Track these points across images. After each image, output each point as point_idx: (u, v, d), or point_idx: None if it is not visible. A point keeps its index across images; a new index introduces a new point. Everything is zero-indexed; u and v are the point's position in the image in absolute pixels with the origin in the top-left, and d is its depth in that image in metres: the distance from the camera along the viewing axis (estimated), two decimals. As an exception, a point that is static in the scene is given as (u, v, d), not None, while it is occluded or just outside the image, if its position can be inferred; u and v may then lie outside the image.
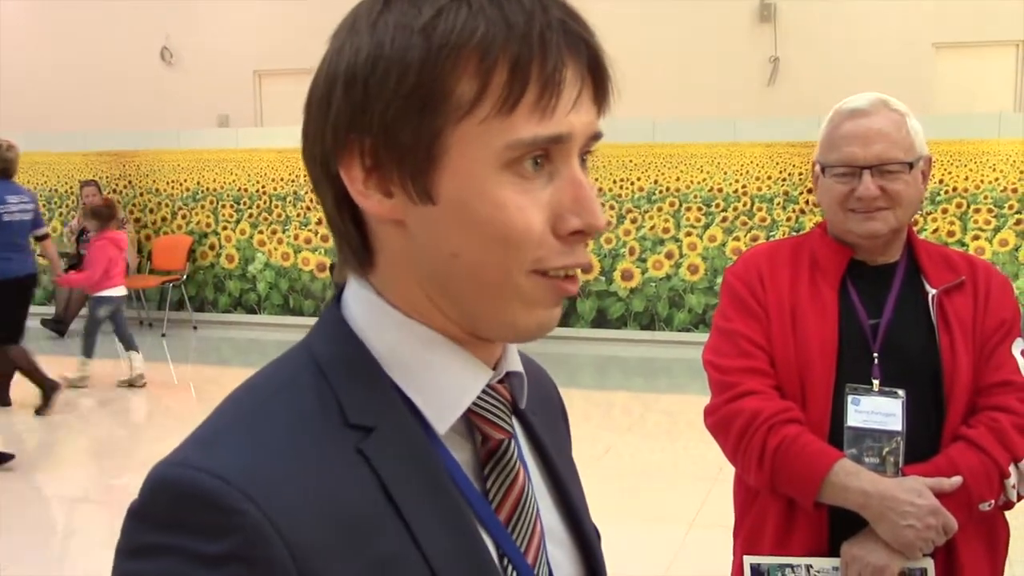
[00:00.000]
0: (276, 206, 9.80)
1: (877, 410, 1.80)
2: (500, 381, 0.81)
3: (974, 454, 1.74)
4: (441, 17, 0.69)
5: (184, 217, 10.10)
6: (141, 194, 10.23)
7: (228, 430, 0.72)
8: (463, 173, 0.71)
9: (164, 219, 10.18)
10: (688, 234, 8.73)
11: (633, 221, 8.85)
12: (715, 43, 9.47)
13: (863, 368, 1.82)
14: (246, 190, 9.86)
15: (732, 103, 9.24)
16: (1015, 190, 8.03)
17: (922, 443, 1.78)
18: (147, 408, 7.13)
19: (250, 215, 9.88)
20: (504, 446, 0.81)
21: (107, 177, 10.24)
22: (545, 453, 0.89)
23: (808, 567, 1.81)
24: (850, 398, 1.80)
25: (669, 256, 8.79)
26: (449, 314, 0.77)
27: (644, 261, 8.86)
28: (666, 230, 8.79)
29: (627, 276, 8.90)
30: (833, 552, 1.79)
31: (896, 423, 1.78)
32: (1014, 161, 7.99)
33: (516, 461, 0.81)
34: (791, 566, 1.81)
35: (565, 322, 8.97)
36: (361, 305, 0.79)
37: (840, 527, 1.79)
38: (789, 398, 1.82)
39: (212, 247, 10.04)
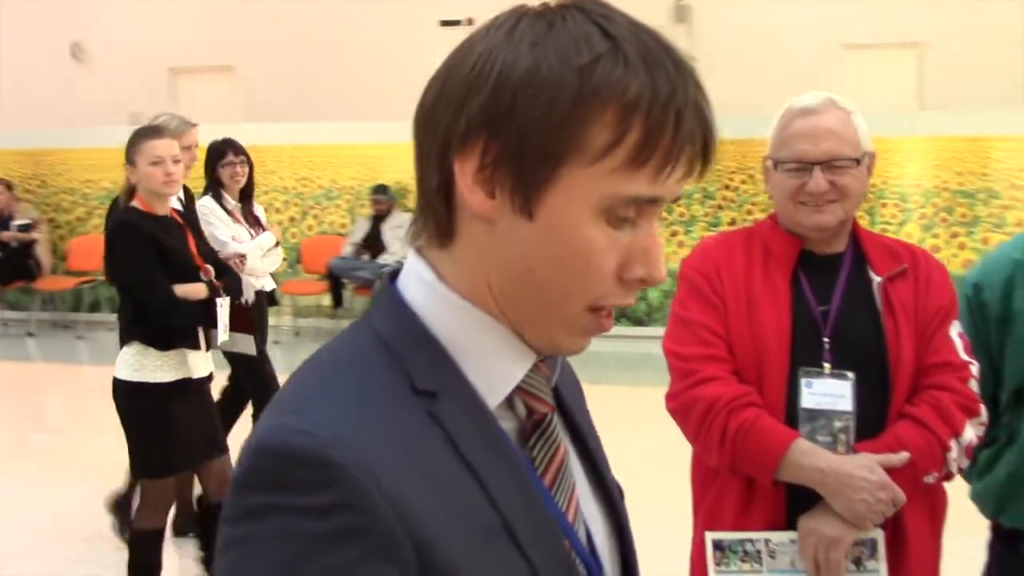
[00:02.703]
0: (195, 205, 9.65)
1: (829, 392, 1.90)
2: (540, 361, 0.89)
3: (918, 431, 1.86)
4: (599, 64, 0.76)
5: (100, 217, 9.88)
6: (55, 193, 9.98)
7: (314, 397, 0.78)
8: (566, 205, 0.78)
9: (80, 219, 9.95)
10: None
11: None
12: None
13: (815, 352, 1.92)
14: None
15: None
16: (918, 185, 8.38)
17: (871, 421, 1.89)
18: (65, 409, 6.98)
19: (167, 214, 9.72)
20: (548, 419, 0.89)
21: (20, 176, 9.97)
22: (574, 421, 0.97)
23: (767, 541, 1.91)
24: (803, 381, 1.91)
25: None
26: (505, 311, 0.84)
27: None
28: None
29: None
30: (790, 526, 1.89)
31: (846, 403, 1.89)
32: (917, 158, 8.33)
33: (558, 432, 0.90)
34: (751, 540, 1.91)
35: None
36: (421, 287, 0.85)
37: (796, 503, 1.89)
38: (747, 382, 1.92)
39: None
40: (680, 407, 1.95)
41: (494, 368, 0.84)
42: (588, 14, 0.79)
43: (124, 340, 3.46)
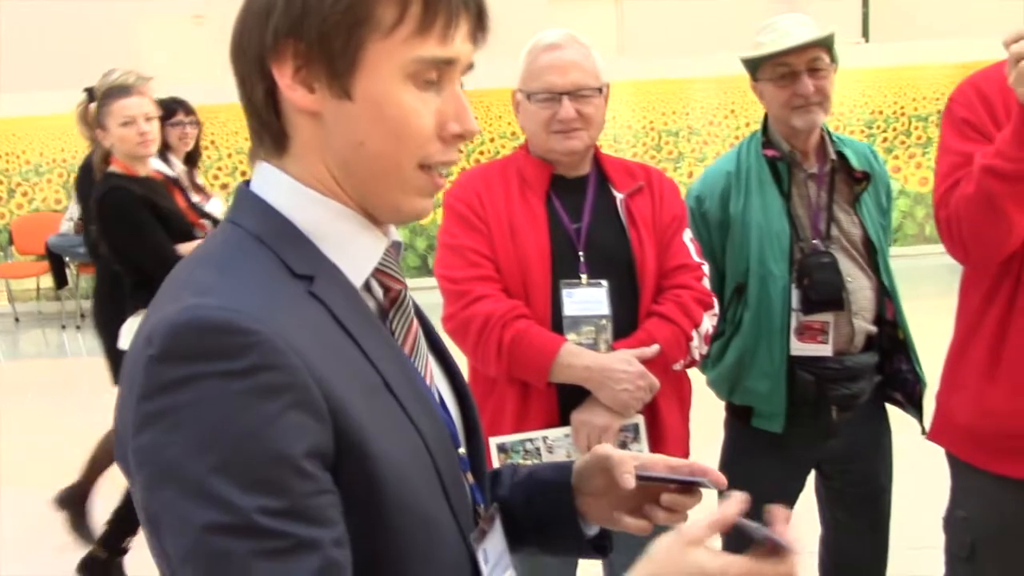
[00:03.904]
0: None
1: (587, 299, 2.13)
2: (391, 246, 1.01)
3: (665, 325, 2.12)
4: None
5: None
6: None
7: (211, 284, 0.86)
8: (376, 78, 0.91)
9: None
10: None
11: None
12: None
13: (572, 265, 2.14)
14: None
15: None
16: (629, 127, 8.98)
17: (625, 322, 2.14)
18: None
19: None
20: (403, 295, 1.02)
21: None
22: (420, 314, 1.10)
23: (544, 438, 2.11)
24: (564, 292, 2.12)
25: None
26: (351, 195, 0.96)
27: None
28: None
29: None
30: (564, 423, 2.11)
31: (603, 308, 2.12)
32: (624, 100, 8.90)
33: (411, 307, 1.03)
34: (530, 440, 2.11)
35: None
36: (278, 187, 0.96)
37: (567, 401, 2.11)
38: (515, 297, 2.11)
39: None
40: (458, 327, 2.11)
41: (354, 252, 0.96)
42: None
43: (126, 311, 3.27)
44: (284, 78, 0.91)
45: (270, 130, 0.94)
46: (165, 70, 10.50)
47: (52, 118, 8.75)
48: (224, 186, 8.90)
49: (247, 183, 0.99)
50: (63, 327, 8.38)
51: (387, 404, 0.92)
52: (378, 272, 0.99)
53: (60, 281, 8.29)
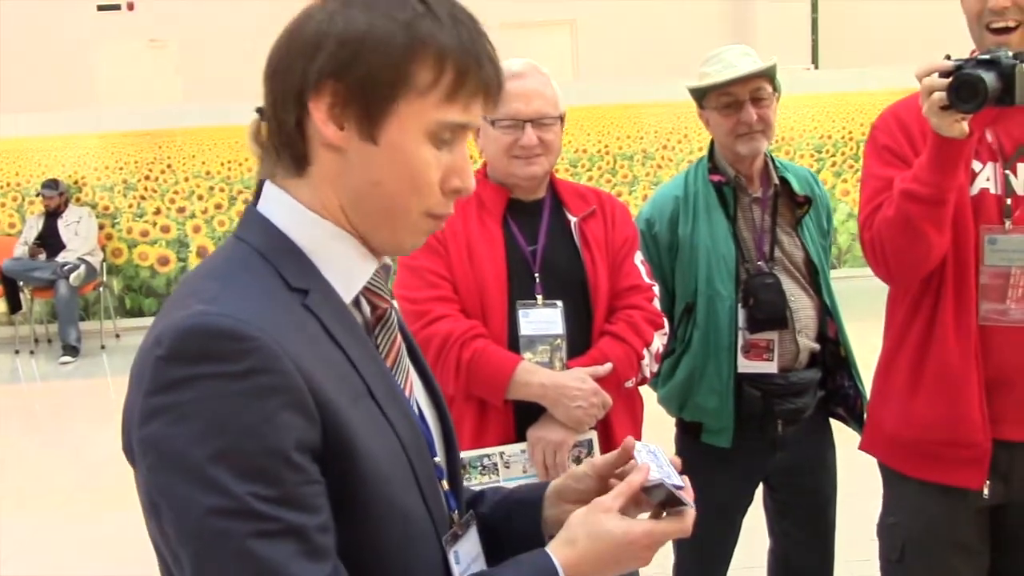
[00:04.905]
0: None
1: (542, 319, 2.21)
2: (380, 267, 1.10)
3: (618, 344, 2.21)
4: (420, 20, 1.00)
5: None
6: None
7: (218, 293, 0.95)
8: (402, 131, 1.01)
9: None
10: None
11: (245, 201, 8.88)
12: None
13: (528, 286, 2.21)
14: None
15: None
16: (584, 151, 9.10)
17: (578, 341, 2.22)
18: None
19: None
20: (388, 313, 1.11)
21: None
22: (404, 331, 1.19)
23: (501, 454, 2.18)
24: (520, 312, 2.20)
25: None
26: (355, 224, 1.05)
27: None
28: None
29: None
30: (520, 439, 2.19)
31: (558, 328, 2.20)
32: (579, 124, 9.03)
33: (395, 325, 1.12)
34: (488, 455, 2.18)
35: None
36: (282, 207, 1.05)
37: (523, 418, 2.18)
38: (472, 317, 2.18)
39: None
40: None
41: (346, 270, 1.06)
42: None
43: None
44: (319, 113, 1.00)
45: (293, 152, 1.03)
46: (122, 94, 10.50)
47: (7, 141, 8.70)
48: (181, 210, 8.90)
49: (254, 203, 1.08)
50: (16, 352, 8.31)
51: (370, 409, 1.01)
52: (367, 290, 1.09)
53: (14, 306, 8.23)
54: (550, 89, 2.22)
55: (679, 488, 1.13)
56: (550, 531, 1.22)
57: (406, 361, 1.13)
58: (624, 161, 9.15)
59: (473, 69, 1.02)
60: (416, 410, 1.12)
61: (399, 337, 1.13)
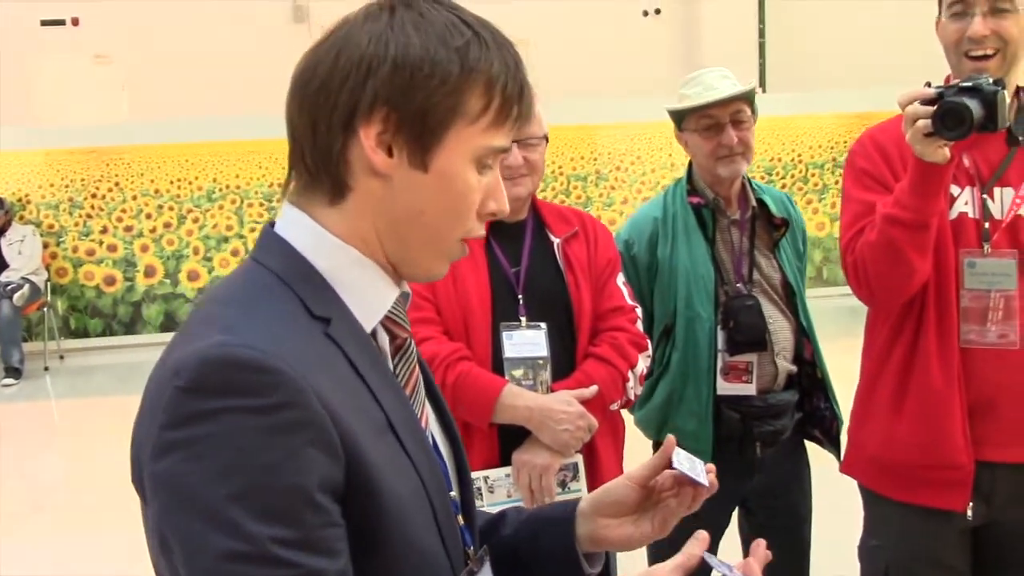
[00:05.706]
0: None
1: (526, 341, 2.19)
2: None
3: (602, 366, 2.19)
4: (470, 47, 0.98)
5: None
6: None
7: (239, 322, 0.91)
8: (452, 158, 0.99)
9: None
10: (252, 230, 8.83)
11: (195, 220, 8.76)
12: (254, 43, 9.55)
13: (511, 308, 2.19)
14: None
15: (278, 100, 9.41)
16: (539, 171, 9.12)
17: (563, 363, 2.20)
18: None
19: None
20: (408, 343, 1.07)
21: None
22: (421, 362, 1.15)
23: (486, 478, 2.15)
24: (504, 334, 2.18)
25: (235, 253, 8.82)
26: (388, 251, 1.02)
27: (210, 260, 8.81)
28: (229, 227, 8.82)
29: (193, 276, 8.79)
30: (504, 463, 2.16)
31: (542, 350, 2.18)
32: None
33: (415, 355, 1.09)
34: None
35: (132, 329, 8.66)
36: (303, 231, 1.01)
37: (507, 442, 2.16)
38: (456, 339, 2.15)
39: None
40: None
41: (368, 298, 1.02)
42: (440, 4, 0.99)
43: None
44: (369, 139, 0.96)
45: (333, 179, 0.99)
46: (66, 110, 10.30)
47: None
48: (128, 228, 8.73)
49: (272, 224, 1.04)
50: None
51: (391, 446, 0.97)
52: (386, 319, 1.05)
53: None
54: (536, 110, 2.21)
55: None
56: (584, 549, 1.20)
57: (423, 393, 1.10)
58: (578, 182, 9.18)
59: (517, 95, 1.01)
60: (431, 441, 1.09)
61: (417, 368, 1.10)
